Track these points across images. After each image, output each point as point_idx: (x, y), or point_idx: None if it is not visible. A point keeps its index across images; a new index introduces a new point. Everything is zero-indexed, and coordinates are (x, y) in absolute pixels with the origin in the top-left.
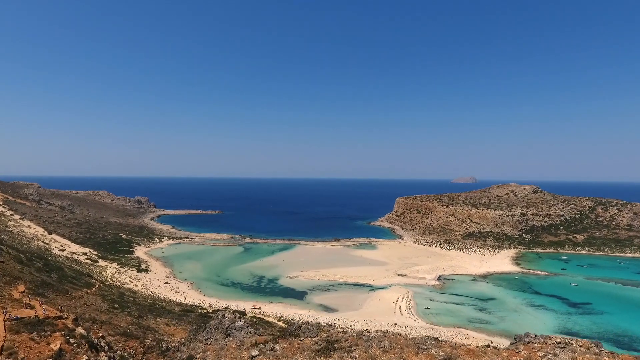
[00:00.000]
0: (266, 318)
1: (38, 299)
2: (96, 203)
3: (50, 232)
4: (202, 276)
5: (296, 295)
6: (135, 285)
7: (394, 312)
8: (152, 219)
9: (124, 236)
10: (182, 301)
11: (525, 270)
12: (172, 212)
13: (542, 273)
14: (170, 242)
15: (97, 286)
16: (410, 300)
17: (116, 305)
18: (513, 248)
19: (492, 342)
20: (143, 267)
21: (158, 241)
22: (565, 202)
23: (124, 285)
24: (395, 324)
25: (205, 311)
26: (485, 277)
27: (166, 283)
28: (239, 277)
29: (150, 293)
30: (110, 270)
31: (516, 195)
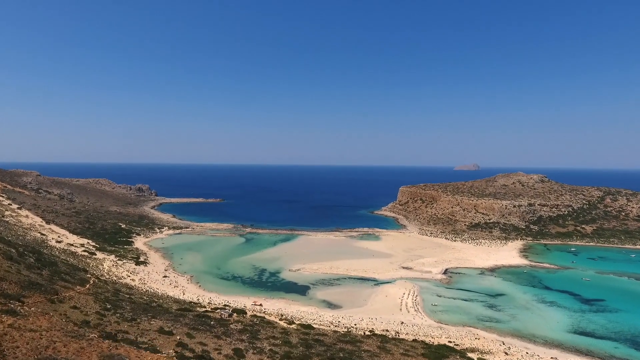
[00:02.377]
0: (267, 317)
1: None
2: (96, 191)
3: (48, 222)
4: (202, 269)
5: (299, 290)
6: (133, 280)
7: (400, 309)
8: (153, 207)
9: (123, 226)
10: (181, 297)
11: (534, 264)
12: (174, 200)
13: (552, 266)
14: (171, 232)
15: (91, 282)
16: (417, 295)
17: (108, 306)
18: (520, 239)
19: (503, 343)
20: (142, 259)
21: (158, 231)
22: (573, 192)
23: (120, 280)
24: (402, 322)
25: (204, 309)
26: (493, 270)
27: (165, 277)
28: (239, 270)
29: (148, 288)
30: (107, 263)
31: (523, 185)
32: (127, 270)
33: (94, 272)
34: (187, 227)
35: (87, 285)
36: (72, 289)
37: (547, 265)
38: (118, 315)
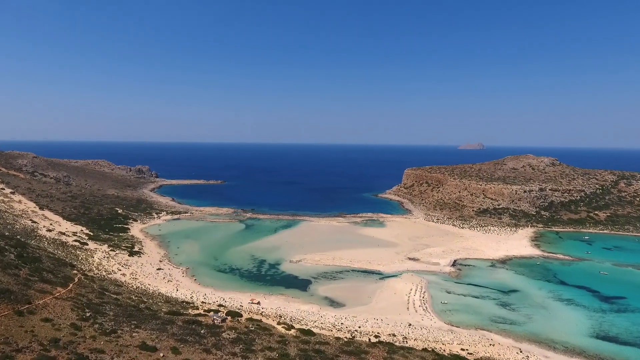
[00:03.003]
0: (264, 320)
1: None
2: (95, 173)
3: (42, 208)
4: (198, 260)
5: (299, 284)
6: (124, 274)
7: (407, 308)
8: (152, 190)
9: (120, 211)
10: (173, 294)
11: (546, 254)
12: (174, 182)
13: (566, 257)
14: (169, 217)
15: (76, 280)
16: (425, 292)
17: (88, 314)
18: (530, 226)
19: (521, 351)
20: (136, 248)
21: (156, 216)
22: (585, 175)
23: (110, 276)
24: (410, 324)
25: (196, 312)
26: (504, 262)
27: (159, 269)
28: (238, 261)
29: (139, 285)
30: (98, 255)
31: (533, 169)
32: (119, 263)
33: (82, 266)
34: (186, 212)
35: (70, 285)
36: (50, 293)
37: (561, 256)
38: (97, 326)
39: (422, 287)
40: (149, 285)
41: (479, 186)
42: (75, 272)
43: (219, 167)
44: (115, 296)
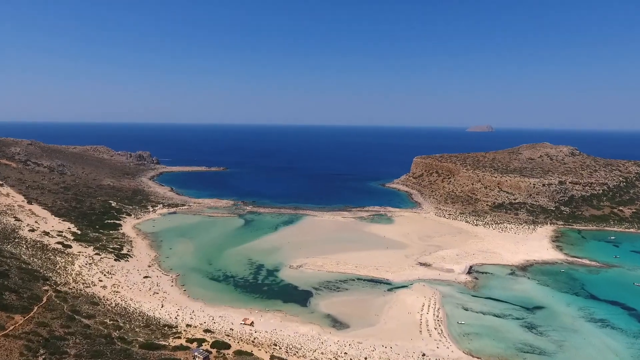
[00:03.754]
0: (256, 351)
1: None
2: (94, 160)
3: (30, 202)
4: (191, 264)
5: (299, 297)
6: (104, 286)
7: (420, 331)
8: (151, 178)
9: (114, 204)
10: (157, 313)
11: (570, 259)
12: (174, 169)
13: (592, 263)
14: (165, 210)
15: (44, 301)
16: (439, 308)
17: (42, 357)
18: (550, 224)
19: None
20: (125, 250)
21: (151, 210)
22: (607, 167)
23: (87, 290)
24: (423, 354)
25: (177, 343)
26: (524, 268)
27: (146, 277)
28: (233, 265)
29: (119, 301)
30: (81, 260)
31: (551, 159)
32: (102, 271)
33: (58, 278)
34: (183, 205)
35: (35, 310)
36: (2, 328)
37: (587, 261)
38: None
39: (435, 301)
40: (131, 300)
41: (493, 178)
42: (46, 287)
43: (220, 151)
44: (86, 321)
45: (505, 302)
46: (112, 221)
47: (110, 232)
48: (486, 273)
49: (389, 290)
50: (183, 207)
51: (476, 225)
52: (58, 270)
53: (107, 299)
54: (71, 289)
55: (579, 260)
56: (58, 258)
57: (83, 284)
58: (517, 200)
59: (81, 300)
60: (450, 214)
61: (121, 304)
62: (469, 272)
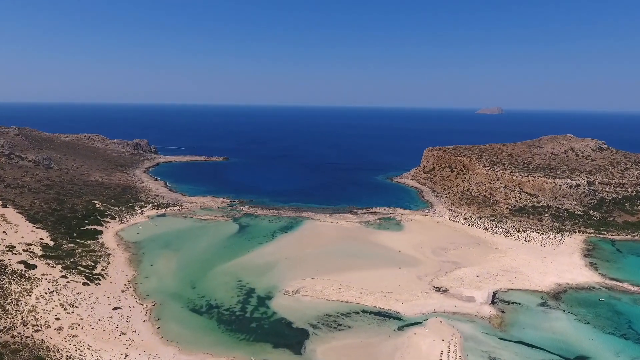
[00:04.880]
0: None
1: None
2: (87, 150)
3: (5, 204)
4: (171, 288)
5: (292, 339)
6: (60, 328)
7: None
8: (146, 169)
9: (98, 205)
10: None
11: (609, 282)
12: (172, 158)
13: (637, 289)
14: (154, 212)
15: None
16: (460, 357)
17: None
18: (578, 232)
19: None
20: (99, 269)
21: (139, 211)
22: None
23: (35, 336)
24: None
25: None
26: (557, 296)
27: (116, 308)
28: (220, 290)
29: (73, 351)
30: (41, 288)
31: (577, 155)
32: (64, 303)
33: (4, 319)
34: (174, 205)
35: None
36: None
37: (630, 286)
38: None
39: (455, 347)
40: (89, 349)
41: (514, 177)
42: None
43: (223, 136)
44: None
45: (540, 348)
46: (93, 227)
47: (88, 242)
48: (513, 303)
49: (400, 328)
50: (174, 208)
51: (496, 233)
52: (7, 307)
53: (57, 350)
54: (15, 336)
55: (620, 285)
56: (13, 286)
57: (33, 326)
58: (540, 204)
59: (21, 356)
60: (465, 219)
61: (74, 358)
62: (492, 302)
